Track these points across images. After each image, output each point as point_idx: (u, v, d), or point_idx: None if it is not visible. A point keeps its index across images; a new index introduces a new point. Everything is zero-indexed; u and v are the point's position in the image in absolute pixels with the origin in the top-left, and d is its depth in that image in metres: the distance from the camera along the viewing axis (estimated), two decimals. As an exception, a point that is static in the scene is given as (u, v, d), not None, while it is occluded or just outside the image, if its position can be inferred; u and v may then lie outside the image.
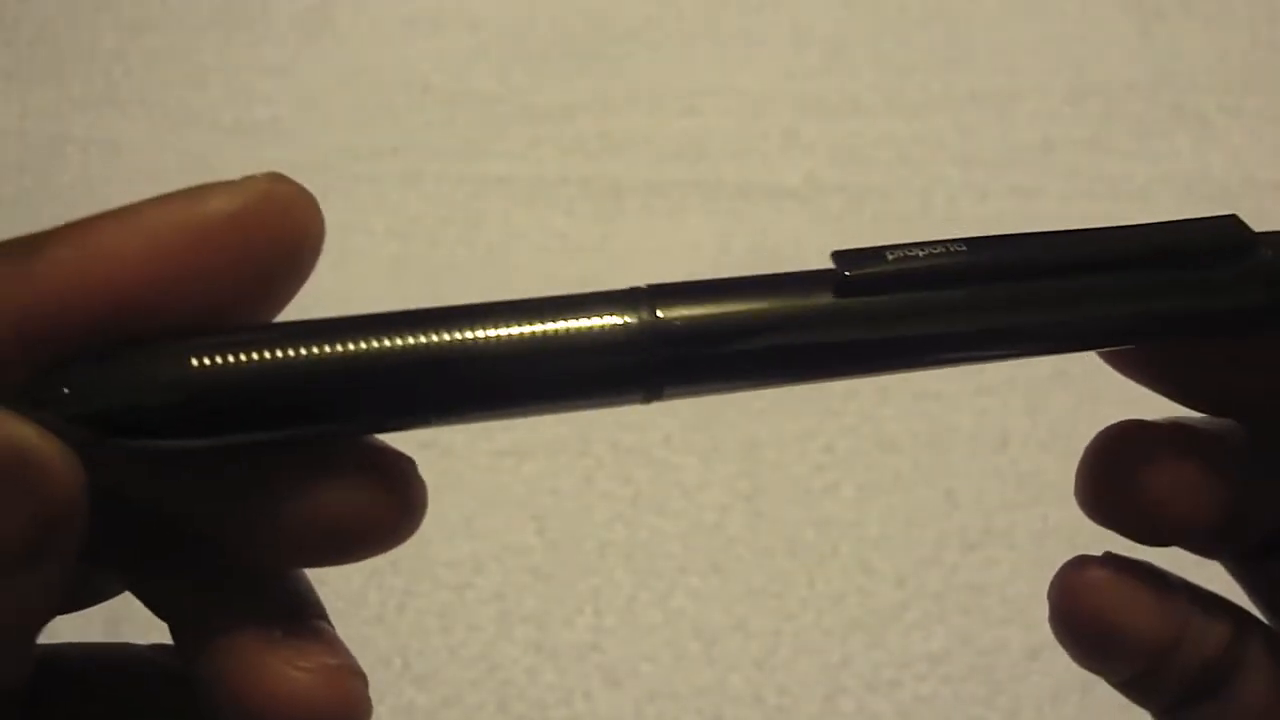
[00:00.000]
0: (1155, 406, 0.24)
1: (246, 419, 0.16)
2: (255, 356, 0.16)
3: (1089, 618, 0.21)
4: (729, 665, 0.56)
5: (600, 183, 0.75)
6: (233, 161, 0.77)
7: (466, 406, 0.17)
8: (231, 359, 0.16)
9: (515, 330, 0.17)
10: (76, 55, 0.84)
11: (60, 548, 0.15)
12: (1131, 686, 0.21)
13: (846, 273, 0.19)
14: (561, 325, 0.17)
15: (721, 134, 0.78)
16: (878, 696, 0.55)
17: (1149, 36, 0.83)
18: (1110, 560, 0.21)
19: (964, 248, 0.19)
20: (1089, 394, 0.63)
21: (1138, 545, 0.22)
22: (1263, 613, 0.22)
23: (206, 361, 0.16)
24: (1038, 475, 0.62)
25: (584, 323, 0.17)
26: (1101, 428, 0.22)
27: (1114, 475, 0.21)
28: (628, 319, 0.17)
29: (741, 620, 0.58)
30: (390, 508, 0.17)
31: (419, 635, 0.57)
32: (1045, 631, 0.22)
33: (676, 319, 0.18)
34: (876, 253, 0.19)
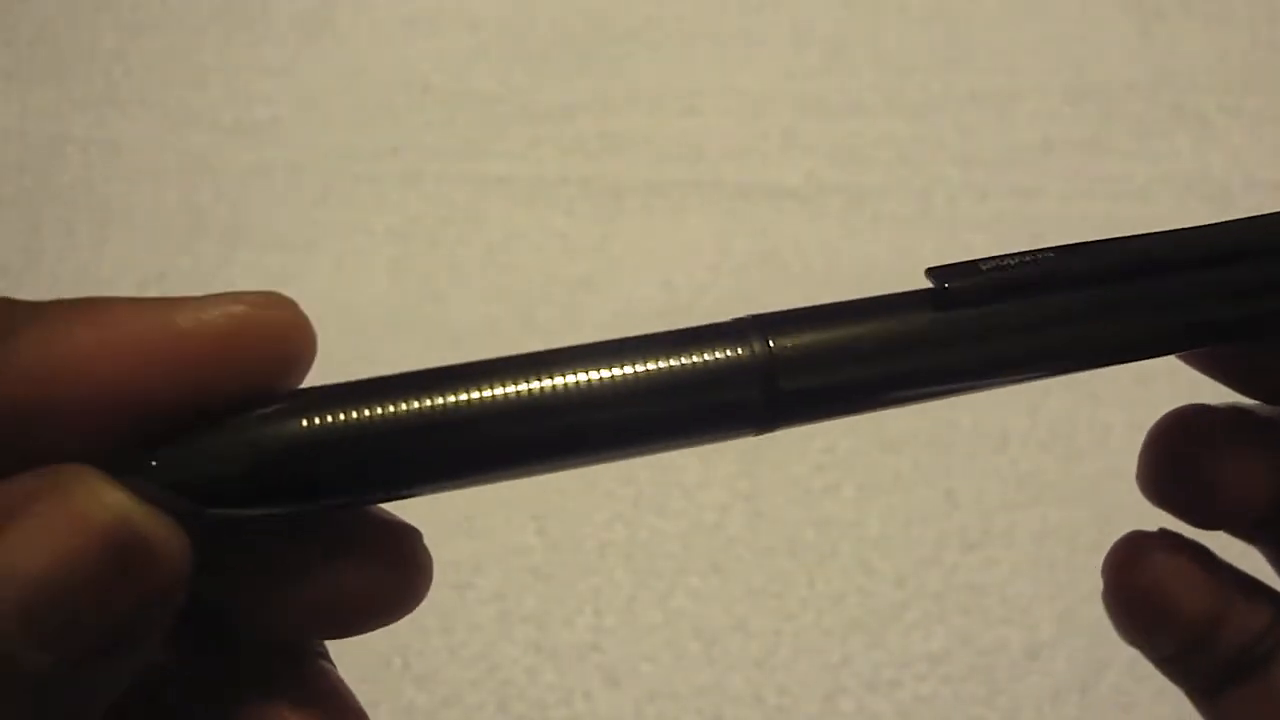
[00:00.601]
0: (1155, 407, 0.24)
1: (334, 482, 0.16)
2: (344, 418, 0.16)
3: (1144, 589, 0.21)
4: (729, 665, 0.56)
5: (600, 183, 0.75)
6: (233, 161, 0.77)
7: (578, 452, 0.17)
8: (320, 421, 0.16)
9: (626, 371, 0.17)
10: (76, 55, 0.84)
11: (160, 625, 0.15)
12: (1172, 663, 0.22)
13: (946, 284, 0.18)
14: (674, 363, 0.17)
15: (721, 134, 0.78)
16: (878, 696, 0.55)
17: (1149, 36, 0.83)
18: (1165, 536, 0.22)
19: (1052, 254, 0.19)
20: (1089, 394, 0.63)
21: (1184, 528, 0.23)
22: None
23: (302, 425, 0.16)
24: (1038, 475, 0.62)
25: (697, 359, 0.17)
26: (1096, 429, 0.22)
27: (1175, 458, 0.21)
28: (740, 351, 0.17)
29: (741, 620, 0.58)
30: (398, 584, 0.18)
31: (419, 635, 0.57)
32: (1045, 631, 0.22)
33: (789, 349, 0.17)
34: (970, 266, 0.19)
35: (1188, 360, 0.22)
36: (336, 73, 0.82)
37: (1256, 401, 0.22)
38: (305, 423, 0.15)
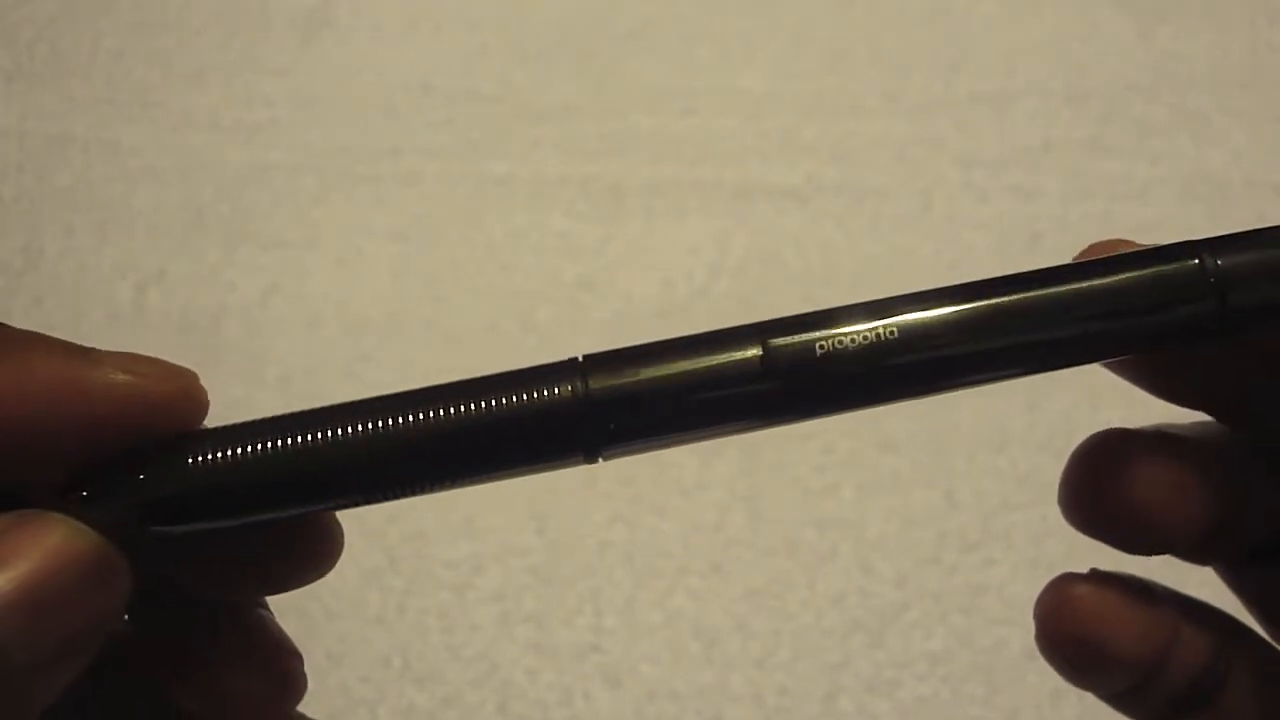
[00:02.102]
0: (1156, 408, 0.24)
1: (257, 499, 0.19)
2: (225, 455, 0.19)
3: (1074, 636, 0.21)
4: (729, 665, 0.56)
5: (600, 183, 0.75)
6: (233, 161, 0.77)
7: (424, 480, 0.19)
8: (234, 453, 0.19)
9: (466, 410, 0.19)
10: (76, 55, 0.84)
11: (112, 624, 0.18)
12: (1121, 701, 0.21)
13: (771, 346, 0.19)
14: (505, 402, 0.19)
15: (721, 134, 0.78)
16: (878, 696, 0.55)
17: (1149, 37, 0.83)
18: (1095, 576, 0.21)
19: (895, 334, 0.19)
20: (1089, 394, 0.63)
21: (1128, 555, 0.22)
22: (1256, 618, 0.22)
23: (220, 455, 0.19)
24: (1037, 475, 0.62)
25: (525, 398, 0.19)
26: (1096, 430, 0.22)
27: (1095, 483, 0.21)
28: (562, 391, 0.19)
29: (741, 620, 0.58)
30: (314, 552, 0.21)
31: (419, 635, 0.57)
32: None
33: (605, 389, 0.19)
34: (807, 348, 0.19)
35: (1110, 368, 0.22)
36: (336, 73, 0.82)
37: (1188, 422, 0.22)
38: (198, 459, 0.19)
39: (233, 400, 0.65)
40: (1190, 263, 0.19)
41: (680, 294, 0.69)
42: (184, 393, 0.19)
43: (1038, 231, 0.71)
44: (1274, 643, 0.21)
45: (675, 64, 0.82)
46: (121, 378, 0.18)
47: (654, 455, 0.20)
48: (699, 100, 0.79)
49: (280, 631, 0.22)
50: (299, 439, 0.19)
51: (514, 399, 0.19)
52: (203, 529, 0.19)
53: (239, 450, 0.19)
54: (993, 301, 0.19)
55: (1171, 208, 0.73)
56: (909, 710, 0.55)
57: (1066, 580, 0.21)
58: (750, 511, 0.61)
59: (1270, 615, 0.22)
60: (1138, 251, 0.20)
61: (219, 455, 0.19)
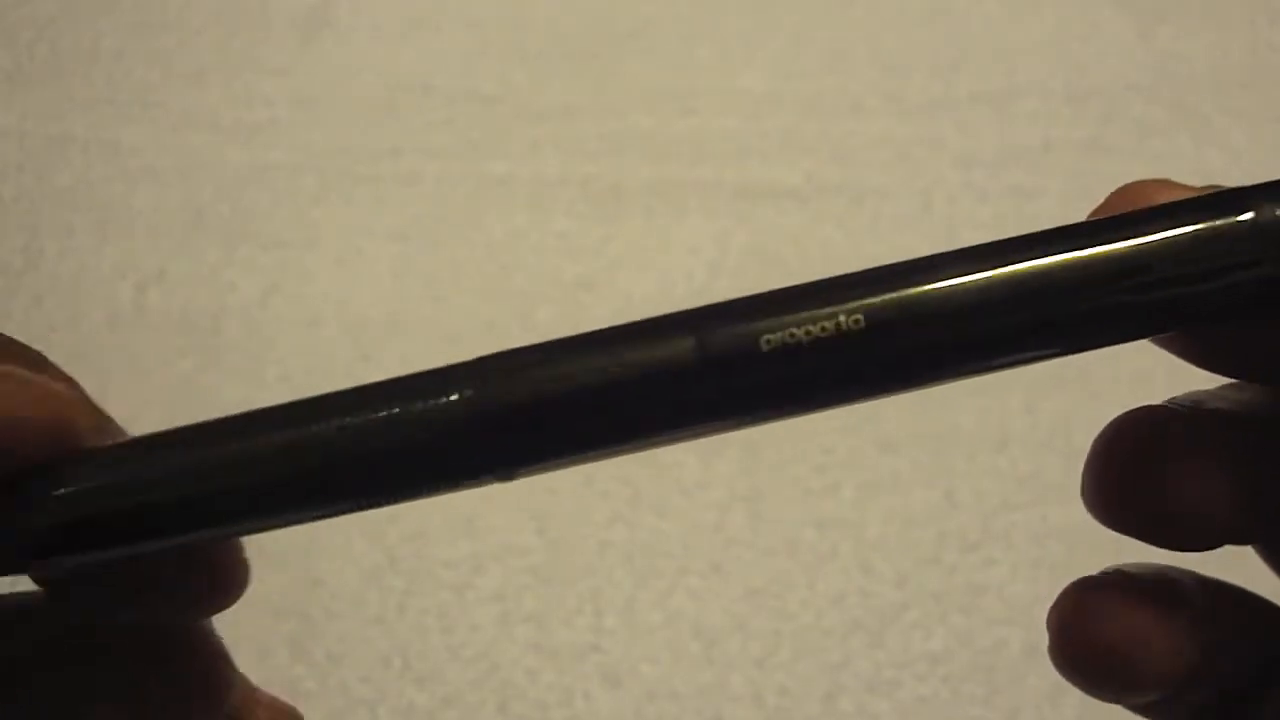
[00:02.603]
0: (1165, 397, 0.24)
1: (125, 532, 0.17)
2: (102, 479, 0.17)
3: (1096, 654, 0.18)
4: (729, 665, 0.56)
5: (600, 183, 0.75)
6: (233, 161, 0.77)
7: (300, 505, 0.16)
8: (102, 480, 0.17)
9: (343, 422, 0.16)
10: (76, 55, 0.84)
11: None
12: (1151, 710, 0.19)
13: (706, 339, 0.16)
14: (390, 413, 0.16)
15: (721, 134, 0.78)
16: (878, 696, 0.55)
17: (1149, 37, 0.83)
18: (1117, 580, 0.18)
19: (860, 323, 0.16)
20: (1089, 394, 0.63)
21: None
22: None
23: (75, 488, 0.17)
24: (1038, 475, 0.62)
25: (409, 408, 0.16)
26: (1096, 430, 0.19)
27: (1128, 473, 0.18)
28: (452, 399, 0.16)
29: (741, 620, 0.58)
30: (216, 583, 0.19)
31: (419, 635, 0.57)
32: (1045, 631, 0.21)
33: (502, 399, 0.16)
34: (749, 341, 0.16)
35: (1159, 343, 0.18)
36: (336, 73, 0.82)
37: (1221, 389, 0.19)
38: (75, 487, 0.16)
39: (233, 400, 0.65)
40: (1241, 218, 0.15)
41: (680, 294, 0.69)
42: (56, 421, 0.17)
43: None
44: None
45: (675, 64, 0.82)
46: None
47: (654, 455, 0.18)
48: (699, 100, 0.79)
49: (202, 639, 0.20)
50: (164, 461, 0.16)
51: (396, 412, 0.16)
52: (75, 562, 0.17)
53: (99, 478, 0.17)
54: (984, 276, 0.16)
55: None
56: (909, 710, 0.55)
57: (1085, 588, 0.18)
58: (750, 511, 0.61)
59: None
60: (1170, 204, 0.16)
61: (83, 483, 0.16)
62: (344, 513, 0.16)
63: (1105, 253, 0.16)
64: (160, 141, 0.79)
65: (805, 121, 0.78)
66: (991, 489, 0.61)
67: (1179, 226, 0.16)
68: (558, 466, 0.16)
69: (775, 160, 0.76)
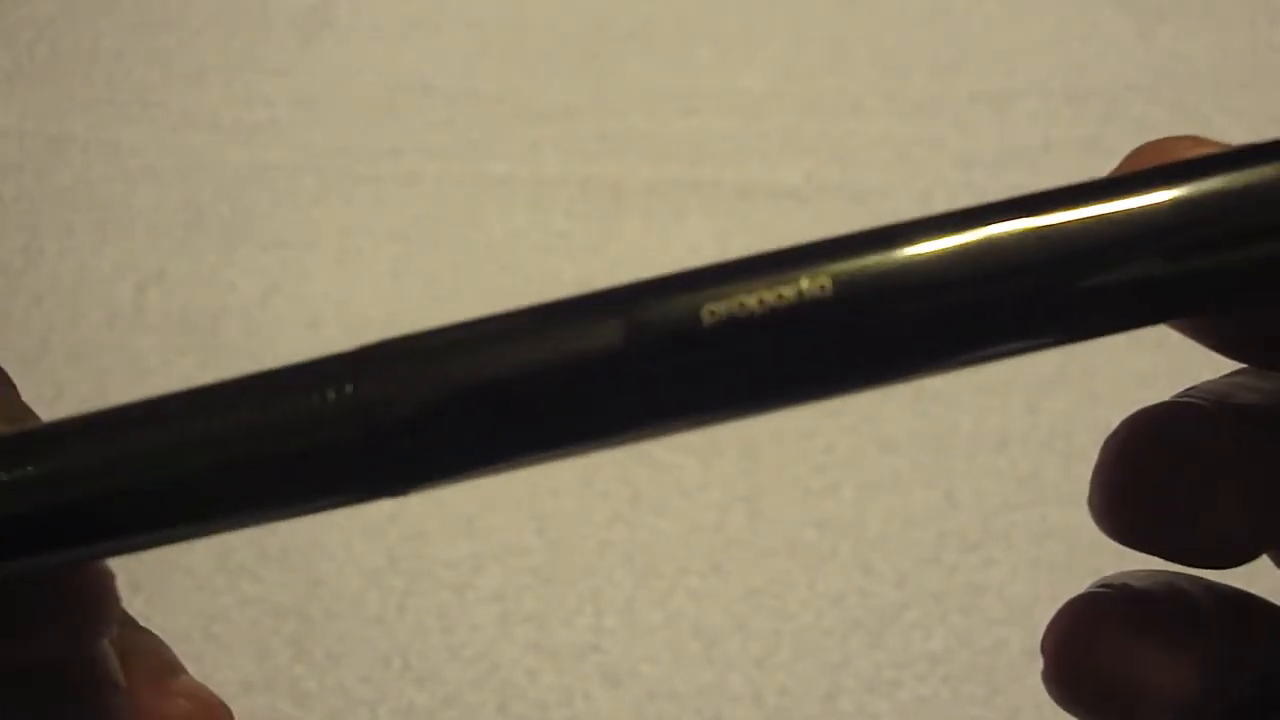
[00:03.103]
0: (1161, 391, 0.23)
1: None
2: None
3: (1098, 682, 0.16)
4: (729, 665, 0.56)
5: (600, 183, 0.75)
6: (233, 161, 0.77)
7: (141, 526, 0.13)
8: None
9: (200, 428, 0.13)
10: (76, 55, 0.84)
11: None
12: None
13: (637, 317, 0.13)
14: (253, 415, 0.13)
15: (721, 134, 0.78)
16: (878, 696, 0.55)
17: (1149, 37, 0.83)
18: (1121, 598, 0.16)
19: (827, 289, 0.12)
20: (1089, 394, 0.63)
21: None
22: None
23: None
24: (1038, 475, 0.62)
25: (275, 409, 0.13)
26: (1096, 430, 0.17)
27: (1146, 480, 0.15)
28: (331, 396, 0.13)
29: (741, 620, 0.58)
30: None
31: (419, 635, 0.57)
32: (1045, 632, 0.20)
33: (388, 398, 0.13)
34: (689, 316, 0.13)
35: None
36: (336, 73, 0.82)
37: (1243, 379, 0.16)
38: None
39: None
40: None
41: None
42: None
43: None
44: None
45: (675, 64, 0.82)
46: None
47: (654, 455, 0.17)
48: (699, 100, 0.79)
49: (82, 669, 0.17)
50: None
51: (259, 414, 0.13)
52: None
53: None
54: (978, 237, 0.13)
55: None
56: (909, 710, 0.55)
57: (1084, 607, 0.16)
58: (750, 511, 0.61)
59: None
60: (1208, 157, 0.13)
61: None
62: (206, 535, 0.13)
63: (1128, 210, 0.12)
64: (160, 141, 0.79)
65: (805, 121, 0.78)
66: (991, 489, 0.61)
67: (1219, 178, 0.12)
68: (458, 481, 0.13)
69: (775, 160, 0.76)
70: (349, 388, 0.13)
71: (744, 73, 0.81)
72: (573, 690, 0.56)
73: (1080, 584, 0.18)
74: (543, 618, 0.58)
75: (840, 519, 0.61)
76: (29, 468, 0.13)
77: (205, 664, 0.55)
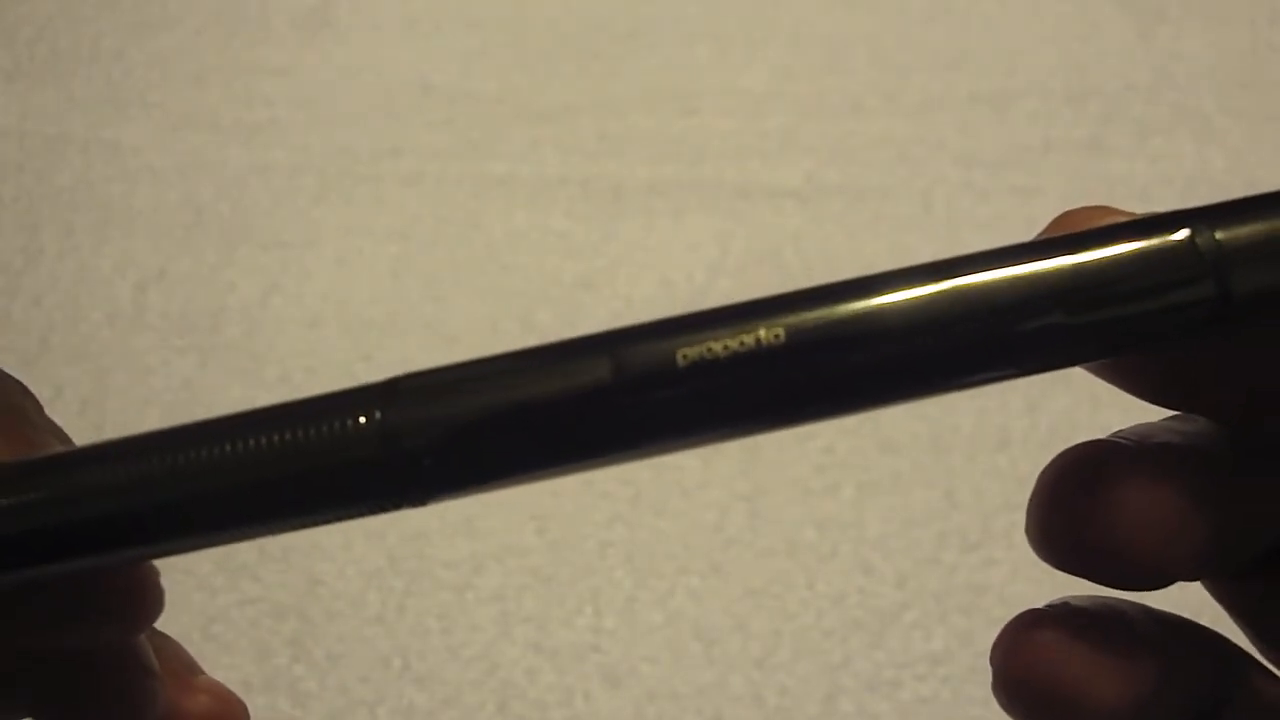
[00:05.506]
0: (1155, 408, 0.24)
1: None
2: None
3: (1038, 691, 0.17)
4: (729, 665, 0.56)
5: (600, 183, 0.75)
6: (233, 161, 0.77)
7: (204, 529, 0.16)
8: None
9: (246, 445, 0.16)
10: (76, 55, 0.84)
11: None
12: None
13: (621, 357, 0.16)
14: (296, 436, 0.15)
15: (721, 134, 0.78)
16: (878, 696, 0.55)
17: (1149, 37, 0.83)
18: (1062, 614, 0.18)
19: (780, 338, 0.15)
20: (1089, 394, 0.63)
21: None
22: (1249, 639, 0.19)
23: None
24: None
25: (313, 433, 0.15)
26: (1095, 432, 0.18)
27: (1073, 514, 0.17)
28: (361, 421, 0.15)
29: (741, 620, 0.58)
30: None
31: (419, 635, 0.57)
32: None
33: (413, 423, 0.15)
34: (666, 357, 0.15)
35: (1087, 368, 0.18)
36: (336, 73, 0.82)
37: (1169, 421, 0.18)
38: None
39: (233, 400, 0.65)
40: (1177, 237, 0.15)
41: (680, 294, 0.69)
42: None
43: (1038, 232, 0.71)
44: (1273, 667, 0.19)
45: (675, 64, 0.82)
46: None
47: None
48: (699, 100, 0.79)
49: (125, 657, 0.20)
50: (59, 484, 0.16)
51: (302, 435, 0.15)
52: None
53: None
54: (912, 295, 0.15)
55: (1171, 208, 0.73)
56: (909, 710, 0.55)
57: (1028, 622, 0.18)
58: (750, 511, 0.61)
59: (1266, 635, 0.19)
60: (1110, 226, 0.16)
61: None
62: (254, 537, 0.16)
63: (1037, 272, 0.15)
64: (160, 141, 0.79)
65: (805, 121, 0.78)
66: (991, 489, 0.61)
67: (1115, 246, 0.15)
68: (472, 494, 0.16)
69: (775, 160, 0.76)
70: (377, 414, 0.15)
71: (744, 73, 0.81)
72: (573, 690, 0.56)
73: (1080, 584, 0.19)
74: (543, 618, 0.58)
75: (840, 519, 0.61)
76: (99, 478, 0.16)
77: (205, 664, 0.54)
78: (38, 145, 0.78)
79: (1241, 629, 0.19)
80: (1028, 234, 0.18)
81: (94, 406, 0.64)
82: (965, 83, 0.80)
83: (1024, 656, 0.18)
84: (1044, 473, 0.18)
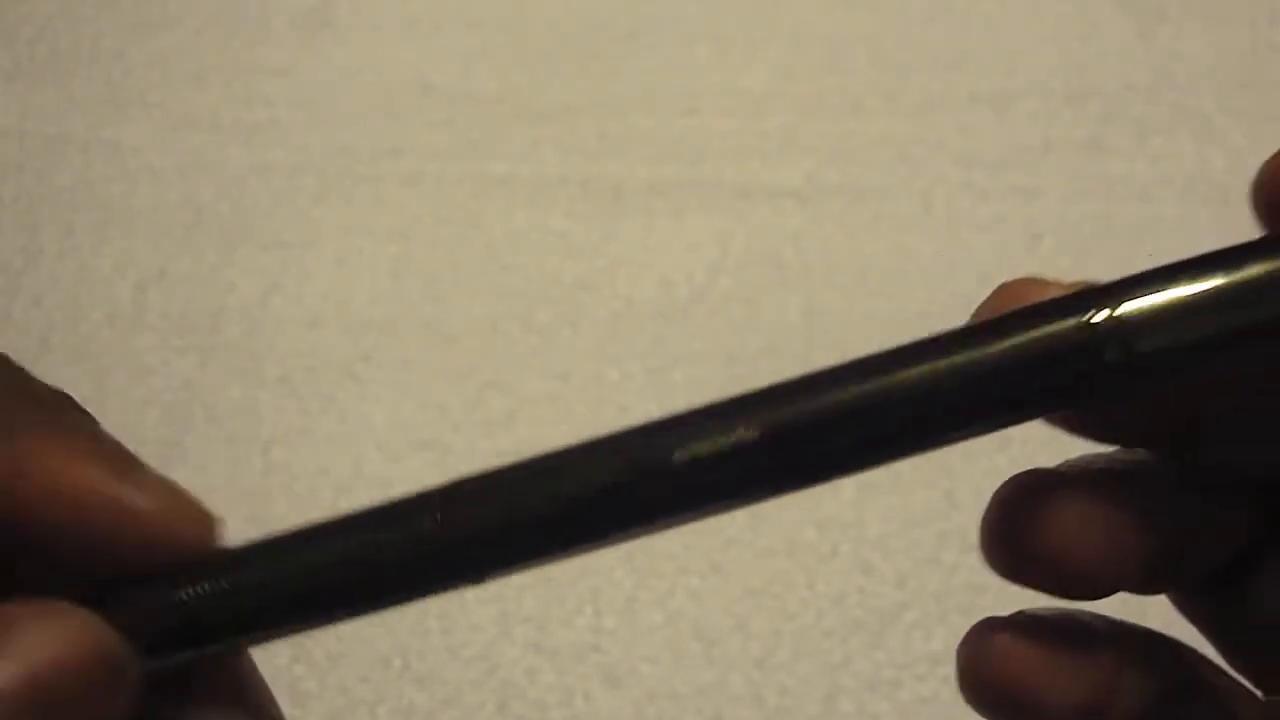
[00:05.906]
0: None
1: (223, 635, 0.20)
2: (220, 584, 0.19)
3: (998, 692, 0.19)
4: (729, 665, 0.56)
5: (600, 183, 0.75)
6: (233, 161, 0.77)
7: (347, 608, 0.21)
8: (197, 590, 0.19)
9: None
10: (76, 55, 0.84)
11: None
12: None
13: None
14: (377, 537, 0.20)
15: (721, 134, 0.78)
16: (878, 696, 0.55)
17: (1149, 37, 0.83)
18: (1021, 621, 0.20)
19: (757, 432, 0.18)
20: (1089, 394, 0.63)
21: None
22: (1214, 647, 0.21)
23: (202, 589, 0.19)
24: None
25: (387, 533, 0.19)
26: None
27: (1019, 530, 0.19)
28: (424, 523, 0.19)
29: (741, 620, 0.58)
30: None
31: (419, 635, 0.57)
32: None
33: (463, 523, 0.19)
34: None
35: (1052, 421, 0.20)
36: (336, 73, 0.82)
37: (1112, 451, 0.20)
38: (189, 592, 0.19)
39: (232, 400, 0.65)
40: (1077, 320, 0.18)
41: (680, 294, 0.69)
42: (200, 539, 0.19)
43: (1038, 232, 0.71)
44: (1235, 674, 0.20)
45: (675, 64, 0.82)
46: (157, 509, 0.18)
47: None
48: (699, 100, 0.79)
49: (258, 681, 0.22)
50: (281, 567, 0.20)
51: (381, 535, 0.19)
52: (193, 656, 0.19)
53: (238, 579, 0.19)
54: (859, 390, 0.18)
55: (1171, 208, 0.73)
56: (909, 711, 0.55)
57: (988, 627, 0.19)
58: (750, 511, 0.61)
59: (1229, 644, 0.20)
60: (1027, 309, 0.18)
61: (210, 585, 0.19)
62: (366, 615, 0.20)
63: (960, 362, 0.18)
64: (160, 141, 0.79)
65: (805, 121, 0.78)
66: (991, 489, 0.61)
67: (1033, 330, 0.18)
68: (518, 573, 0.19)
69: (775, 160, 0.76)
70: (439, 515, 0.18)
71: (744, 73, 0.81)
72: (573, 690, 0.56)
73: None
74: (543, 618, 0.58)
75: (840, 519, 0.61)
76: (234, 578, 0.19)
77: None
78: (38, 145, 0.78)
79: (1209, 642, 0.21)
80: (1028, 234, 0.19)
81: (94, 406, 0.64)
82: (965, 83, 0.80)
83: (983, 658, 0.19)
84: (995, 494, 0.20)
